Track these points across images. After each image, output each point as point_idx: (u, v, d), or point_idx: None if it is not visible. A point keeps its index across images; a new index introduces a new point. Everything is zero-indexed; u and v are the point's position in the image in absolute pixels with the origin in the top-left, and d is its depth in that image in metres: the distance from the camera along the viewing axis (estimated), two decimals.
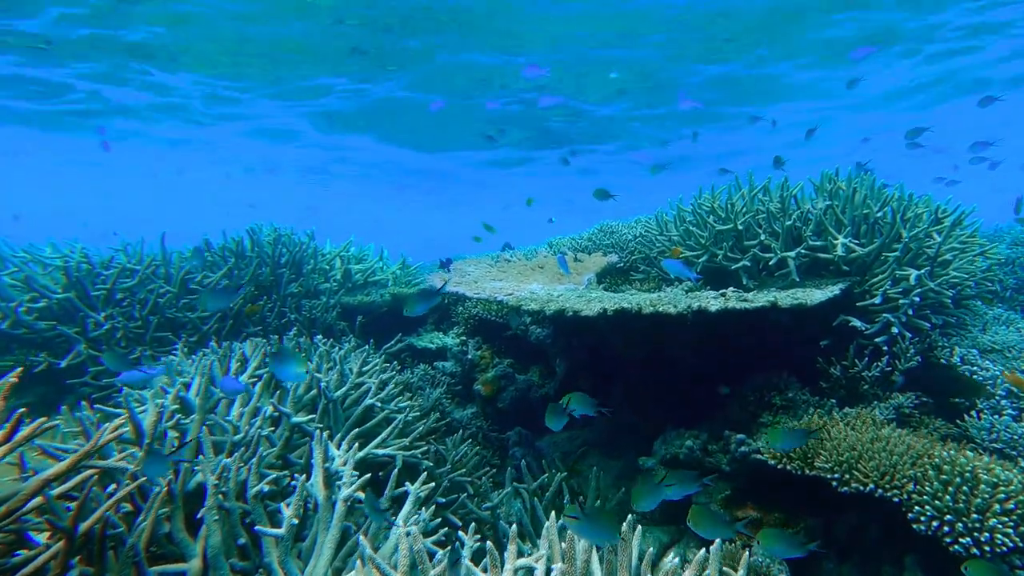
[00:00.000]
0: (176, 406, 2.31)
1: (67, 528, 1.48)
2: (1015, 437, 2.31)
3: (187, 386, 2.64)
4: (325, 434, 1.93)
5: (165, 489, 1.77)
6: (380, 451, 2.41)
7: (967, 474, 1.91)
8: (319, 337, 3.50)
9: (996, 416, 2.43)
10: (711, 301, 2.46)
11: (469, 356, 4.16)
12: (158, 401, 2.36)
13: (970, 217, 3.00)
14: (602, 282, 3.57)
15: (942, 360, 2.71)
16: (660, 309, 2.40)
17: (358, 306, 4.78)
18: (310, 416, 2.40)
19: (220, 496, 1.82)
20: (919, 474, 2.00)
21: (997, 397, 2.52)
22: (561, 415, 2.35)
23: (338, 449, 2.20)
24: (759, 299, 2.45)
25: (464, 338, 4.36)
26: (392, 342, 4.67)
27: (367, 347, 3.50)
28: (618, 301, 2.53)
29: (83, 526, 1.56)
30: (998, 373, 2.58)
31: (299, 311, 4.65)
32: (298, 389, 2.66)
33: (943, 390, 2.45)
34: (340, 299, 4.80)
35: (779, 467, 2.33)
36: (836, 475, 2.13)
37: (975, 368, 2.62)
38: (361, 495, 1.81)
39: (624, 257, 3.95)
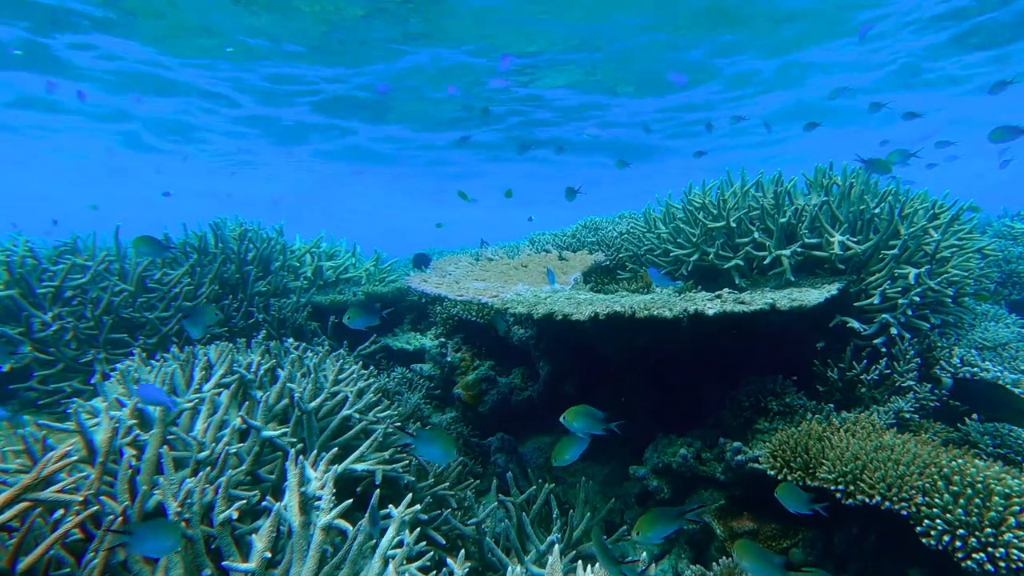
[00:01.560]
0: (134, 420, 2.14)
1: (2, 569, 1.33)
2: (1020, 441, 2.29)
3: None
4: (301, 456, 1.80)
5: (120, 518, 1.62)
6: (359, 466, 2.28)
7: (979, 485, 1.87)
8: (290, 340, 3.34)
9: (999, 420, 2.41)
10: (707, 304, 2.38)
11: (448, 358, 4.04)
12: (113, 414, 2.20)
13: (967, 212, 2.98)
14: (588, 281, 3.48)
15: (941, 361, 2.68)
16: (654, 313, 2.32)
17: (330, 306, 4.61)
18: (282, 430, 2.26)
19: (183, 524, 1.67)
20: (928, 485, 1.96)
21: None
22: (575, 445, 2.23)
23: (313, 466, 2.07)
24: (757, 301, 2.39)
25: (443, 339, 4.24)
26: (367, 343, 4.52)
27: (341, 351, 3.35)
28: (610, 304, 2.44)
29: (22, 564, 1.41)
30: (999, 374, 2.57)
31: (267, 311, 4.46)
32: (268, 399, 2.51)
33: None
34: (311, 298, 4.62)
35: (779, 478, 2.27)
36: (841, 487, 2.08)
37: (975, 369, 2.60)
38: (341, 523, 1.68)
39: (610, 255, 3.86)
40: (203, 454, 2.05)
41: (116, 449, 2.00)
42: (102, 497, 1.73)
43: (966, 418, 2.49)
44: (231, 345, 3.18)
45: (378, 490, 1.86)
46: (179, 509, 1.64)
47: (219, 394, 2.54)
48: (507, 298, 2.70)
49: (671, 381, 3.35)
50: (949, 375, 2.62)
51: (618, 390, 3.60)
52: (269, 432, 2.25)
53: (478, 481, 2.91)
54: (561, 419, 2.20)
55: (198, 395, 2.46)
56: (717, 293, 2.58)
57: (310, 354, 3.22)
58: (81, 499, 1.62)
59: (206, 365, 2.82)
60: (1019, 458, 2.28)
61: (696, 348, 3.11)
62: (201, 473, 1.95)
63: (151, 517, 1.84)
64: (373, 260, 5.85)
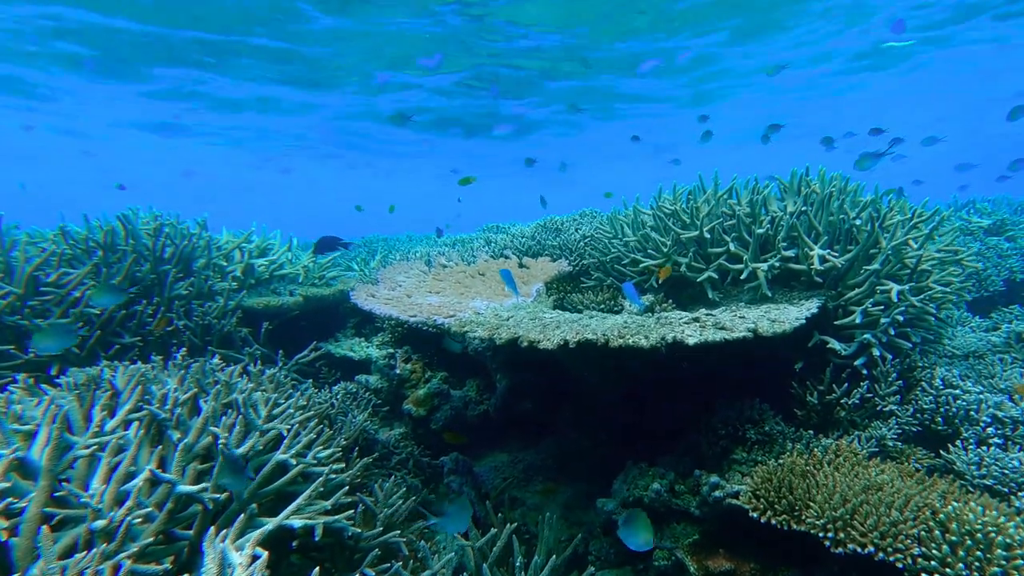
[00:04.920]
0: (6, 483, 1.80)
1: None
2: (1006, 472, 2.24)
3: (32, 437, 2.14)
4: (223, 535, 1.52)
5: None
6: (297, 522, 2.02)
7: (978, 534, 1.79)
8: (214, 360, 2.99)
9: (984, 448, 2.36)
10: (686, 330, 2.22)
11: (397, 371, 3.77)
12: None
13: (946, 221, 2.93)
14: (551, 292, 3.28)
15: (923, 382, 2.62)
16: (630, 342, 2.14)
17: (263, 310, 4.24)
18: (203, 485, 1.96)
19: None
20: (924, 533, 1.86)
21: (982, 424, 2.46)
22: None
23: (238, 539, 1.79)
24: (738, 327, 2.24)
25: (391, 349, 3.96)
26: (306, 351, 4.19)
27: (276, 372, 3.03)
28: (580, 330, 2.24)
29: None
30: (981, 396, 2.52)
31: (189, 317, 4.06)
32: (187, 440, 2.20)
33: None
34: (241, 301, 4.23)
35: (762, 520, 2.14)
36: (830, 534, 1.96)
37: (958, 391, 2.55)
38: None
39: (573, 261, 3.67)
40: (99, 523, 1.73)
41: None
42: None
43: (950, 445, 2.44)
44: (142, 368, 2.82)
45: (317, 569, 1.61)
46: None
47: (126, 431, 2.22)
48: (465, 318, 2.46)
49: (640, 397, 3.21)
50: (931, 397, 2.56)
51: (581, 406, 3.44)
52: (186, 487, 1.95)
53: (432, 521, 2.68)
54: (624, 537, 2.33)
55: (98, 439, 2.12)
56: (695, 316, 2.42)
57: (237, 373, 2.89)
58: None
59: (111, 397, 2.47)
60: (1005, 490, 2.23)
61: (668, 365, 2.97)
62: (96, 550, 1.66)
63: None
64: (311, 255, 5.47)
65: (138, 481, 1.96)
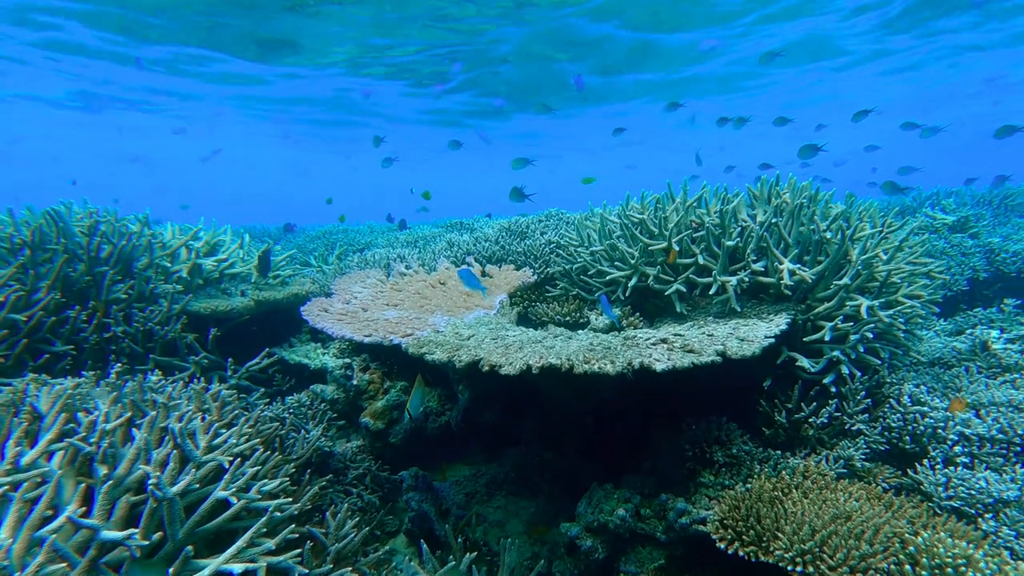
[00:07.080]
0: None
1: None
2: (973, 493, 2.23)
3: None
4: None
5: None
6: (236, 567, 1.88)
7: (949, 569, 1.76)
8: (152, 378, 2.80)
9: (952, 468, 2.36)
10: (654, 354, 2.14)
11: (355, 381, 3.62)
12: None
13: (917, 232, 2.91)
14: (515, 303, 3.16)
15: (891, 399, 2.61)
16: (596, 368, 2.05)
17: (211, 315, 4.03)
18: (130, 531, 1.80)
19: None
20: (894, 567, 1.83)
21: (949, 443, 2.45)
22: None
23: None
24: (707, 350, 2.17)
25: (347, 359, 3.80)
26: (258, 358, 3.99)
27: (222, 388, 2.85)
28: (544, 354, 2.14)
29: None
30: (949, 415, 2.51)
31: (129, 322, 3.82)
32: (116, 473, 2.04)
33: None
34: (187, 305, 4.01)
35: (729, 551, 2.09)
36: (799, 567, 1.92)
37: (925, 409, 2.54)
38: None
39: (539, 268, 3.55)
40: None
41: None
42: None
43: (917, 464, 2.43)
44: (70, 387, 2.61)
45: None
46: None
47: (48, 463, 2.04)
48: (423, 337, 2.34)
49: (606, 411, 3.14)
50: (899, 415, 2.55)
51: (545, 420, 3.35)
52: (111, 534, 1.79)
53: (387, 547, 2.57)
54: None
55: (11, 477, 1.94)
56: (662, 336, 2.34)
57: (178, 390, 2.70)
58: None
59: (29, 424, 2.27)
60: (972, 511, 2.23)
61: (635, 383, 2.91)
62: None
63: None
64: (262, 252, 5.24)
65: (55, 525, 1.79)
